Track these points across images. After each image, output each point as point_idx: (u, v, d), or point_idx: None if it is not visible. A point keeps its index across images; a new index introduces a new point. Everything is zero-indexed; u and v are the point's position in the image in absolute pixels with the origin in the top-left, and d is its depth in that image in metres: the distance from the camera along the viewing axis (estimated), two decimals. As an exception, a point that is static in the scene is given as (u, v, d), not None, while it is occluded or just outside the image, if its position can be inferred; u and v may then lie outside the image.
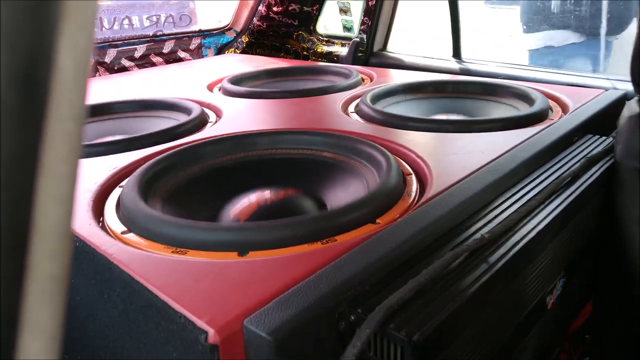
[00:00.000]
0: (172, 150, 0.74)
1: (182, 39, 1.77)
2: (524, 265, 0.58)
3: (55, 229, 0.16)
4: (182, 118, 0.97)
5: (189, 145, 0.77)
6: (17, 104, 0.14)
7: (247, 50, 1.93)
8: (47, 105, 0.15)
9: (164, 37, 1.73)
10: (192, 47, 1.80)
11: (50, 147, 0.15)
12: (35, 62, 0.14)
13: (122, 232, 0.57)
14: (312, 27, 1.83)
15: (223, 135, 0.84)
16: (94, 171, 0.72)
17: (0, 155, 0.14)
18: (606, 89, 1.04)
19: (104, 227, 0.59)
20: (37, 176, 0.15)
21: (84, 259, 0.54)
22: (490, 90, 1.08)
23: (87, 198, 0.64)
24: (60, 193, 0.16)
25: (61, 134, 0.15)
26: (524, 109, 0.96)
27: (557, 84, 1.13)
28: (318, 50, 1.80)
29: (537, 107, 0.90)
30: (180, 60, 1.77)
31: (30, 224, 0.15)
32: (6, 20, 0.13)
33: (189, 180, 0.73)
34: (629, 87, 1.01)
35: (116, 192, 0.67)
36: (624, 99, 0.98)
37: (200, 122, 0.95)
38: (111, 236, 0.56)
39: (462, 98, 1.10)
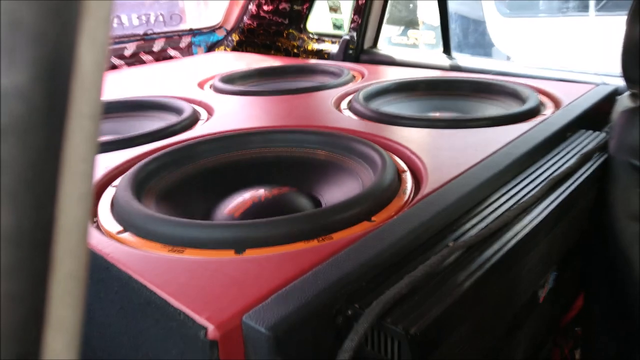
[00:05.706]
0: (165, 150, 0.74)
1: (172, 38, 1.76)
2: (518, 260, 0.59)
3: (76, 227, 0.16)
4: (173, 116, 0.96)
5: (182, 144, 0.76)
6: (42, 101, 0.14)
7: (237, 48, 1.92)
8: (69, 103, 0.15)
9: (154, 35, 1.72)
10: (182, 45, 1.79)
11: (71, 145, 0.15)
12: (59, 59, 0.14)
13: (118, 232, 0.57)
14: (302, 26, 1.83)
15: (215, 132, 0.84)
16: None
17: (26, 152, 0.14)
18: (596, 84, 1.05)
19: (98, 227, 0.59)
20: (61, 174, 0.15)
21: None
22: (483, 88, 1.09)
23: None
24: (81, 192, 0.16)
25: (81, 132, 0.15)
26: (516, 106, 0.96)
27: (546, 79, 1.14)
28: (308, 48, 1.80)
29: (530, 103, 0.91)
30: (170, 58, 1.76)
31: (55, 222, 0.15)
32: (31, 18, 0.13)
33: (182, 180, 0.72)
34: (618, 82, 1.03)
35: (109, 192, 0.67)
36: (614, 94, 0.99)
37: (192, 120, 0.94)
38: (106, 236, 0.56)
39: (454, 96, 1.11)
